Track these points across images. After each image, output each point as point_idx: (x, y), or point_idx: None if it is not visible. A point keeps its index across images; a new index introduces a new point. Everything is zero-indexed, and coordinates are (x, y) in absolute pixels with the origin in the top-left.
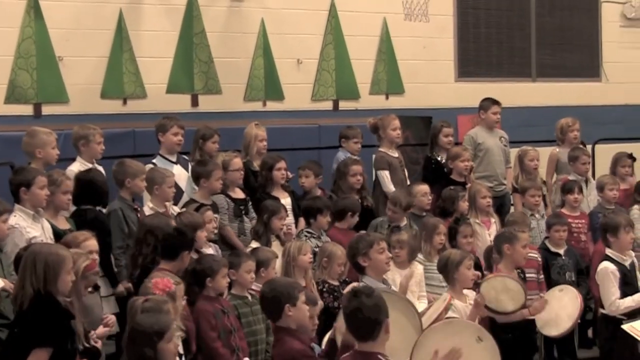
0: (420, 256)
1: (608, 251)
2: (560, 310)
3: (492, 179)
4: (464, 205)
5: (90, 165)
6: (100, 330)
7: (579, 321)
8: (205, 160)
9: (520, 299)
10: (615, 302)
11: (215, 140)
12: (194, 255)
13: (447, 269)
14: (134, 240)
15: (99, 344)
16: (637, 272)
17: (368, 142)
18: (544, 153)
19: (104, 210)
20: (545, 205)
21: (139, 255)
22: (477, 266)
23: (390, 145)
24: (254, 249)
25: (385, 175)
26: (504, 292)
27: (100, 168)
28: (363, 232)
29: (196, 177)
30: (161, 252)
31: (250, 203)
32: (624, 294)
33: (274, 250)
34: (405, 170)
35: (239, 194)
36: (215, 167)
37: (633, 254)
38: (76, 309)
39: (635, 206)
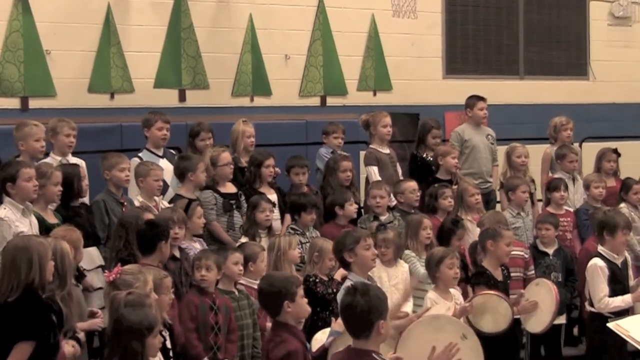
0: (411, 253)
1: (600, 249)
2: (540, 305)
3: (477, 176)
4: (445, 202)
5: (58, 159)
6: (85, 324)
7: (556, 320)
8: (188, 155)
9: (501, 325)
10: (604, 299)
11: (203, 137)
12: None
13: (430, 268)
14: (112, 233)
15: (81, 335)
16: (630, 271)
17: (355, 138)
18: (531, 151)
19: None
20: (532, 203)
21: (114, 249)
22: (465, 264)
23: (381, 142)
24: (242, 244)
25: (373, 170)
26: (492, 313)
27: (81, 161)
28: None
29: (181, 172)
30: (138, 248)
31: (242, 197)
32: (613, 292)
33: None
34: (399, 167)
35: (229, 188)
36: (199, 160)
37: (626, 252)
38: (69, 301)
39: (622, 204)
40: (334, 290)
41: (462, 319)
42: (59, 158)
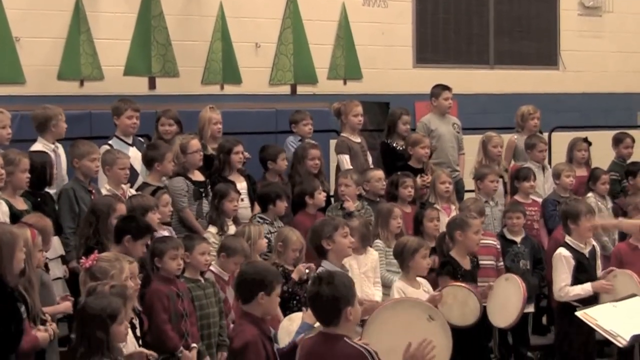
0: (379, 242)
1: (567, 238)
2: (506, 300)
3: (445, 165)
4: (405, 191)
5: (52, 146)
6: (61, 306)
7: (524, 311)
8: (156, 143)
9: (468, 319)
10: (564, 288)
11: (164, 122)
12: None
13: (403, 257)
14: (82, 220)
15: (52, 325)
16: (598, 261)
17: (325, 126)
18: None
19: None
20: (506, 192)
21: (82, 236)
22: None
23: (352, 130)
24: (229, 236)
25: (345, 159)
26: (460, 306)
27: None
28: (327, 216)
29: (149, 161)
30: (114, 238)
31: (209, 185)
32: (578, 282)
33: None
34: (369, 156)
35: (198, 176)
36: (167, 150)
37: (594, 241)
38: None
39: (590, 194)
40: (290, 289)
41: None
42: (51, 145)
